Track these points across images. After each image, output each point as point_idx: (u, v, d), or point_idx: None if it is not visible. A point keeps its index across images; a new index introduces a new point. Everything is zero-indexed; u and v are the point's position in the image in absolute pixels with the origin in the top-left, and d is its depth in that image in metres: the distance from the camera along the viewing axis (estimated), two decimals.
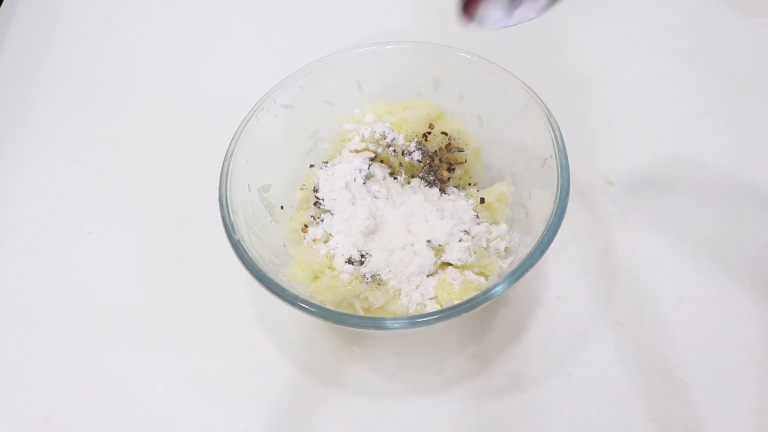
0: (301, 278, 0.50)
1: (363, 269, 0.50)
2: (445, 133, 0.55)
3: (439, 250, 0.51)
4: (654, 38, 0.72)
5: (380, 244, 0.50)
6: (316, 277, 0.50)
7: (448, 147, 0.55)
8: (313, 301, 0.46)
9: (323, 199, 0.54)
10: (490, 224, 0.54)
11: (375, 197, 0.53)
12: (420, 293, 0.50)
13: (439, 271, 0.51)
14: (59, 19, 0.80)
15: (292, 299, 0.44)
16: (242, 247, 0.46)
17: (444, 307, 0.45)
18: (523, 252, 0.46)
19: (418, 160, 0.54)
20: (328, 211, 0.53)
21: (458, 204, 0.53)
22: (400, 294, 0.50)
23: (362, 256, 0.50)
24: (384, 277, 0.50)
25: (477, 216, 0.53)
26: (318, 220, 0.54)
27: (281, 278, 0.48)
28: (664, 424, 0.48)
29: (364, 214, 0.51)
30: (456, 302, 0.43)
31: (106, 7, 0.81)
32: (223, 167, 0.50)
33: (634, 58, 0.71)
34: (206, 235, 0.58)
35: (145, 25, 0.80)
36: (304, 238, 0.54)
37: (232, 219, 0.48)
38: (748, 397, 0.49)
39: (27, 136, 0.69)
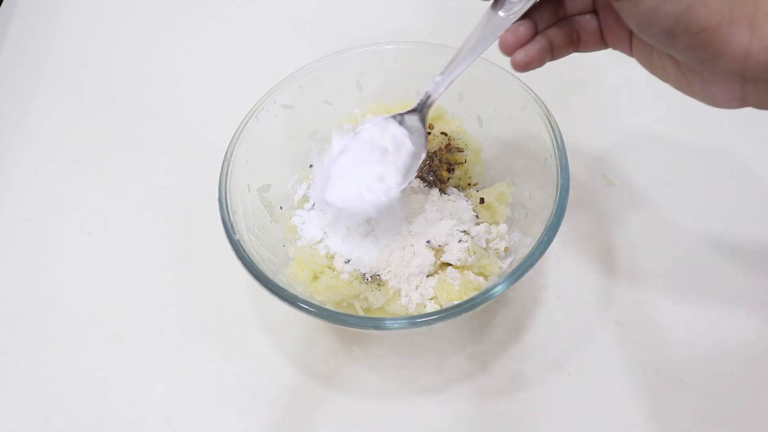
0: (300, 278, 0.50)
1: (363, 269, 0.50)
2: (445, 134, 0.55)
3: (438, 250, 0.50)
4: None
5: (380, 245, 0.50)
6: (315, 278, 0.50)
7: (448, 147, 0.55)
8: (312, 301, 0.46)
9: None
10: (490, 224, 0.53)
11: None
12: (420, 293, 0.50)
13: (439, 272, 0.51)
14: (59, 19, 0.80)
15: (291, 299, 0.44)
16: (242, 247, 0.46)
17: (444, 307, 0.45)
18: (523, 252, 0.46)
19: None
20: None
21: (458, 204, 0.53)
22: (399, 294, 0.50)
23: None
24: (384, 278, 0.50)
25: (476, 216, 0.53)
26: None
27: (281, 278, 0.48)
28: (664, 424, 0.48)
29: None
30: (456, 302, 0.43)
31: (106, 7, 0.81)
32: (222, 167, 0.50)
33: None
34: (206, 235, 0.58)
35: (145, 25, 0.80)
36: None
37: (232, 219, 0.48)
38: (747, 397, 0.49)
39: (27, 136, 0.69)
